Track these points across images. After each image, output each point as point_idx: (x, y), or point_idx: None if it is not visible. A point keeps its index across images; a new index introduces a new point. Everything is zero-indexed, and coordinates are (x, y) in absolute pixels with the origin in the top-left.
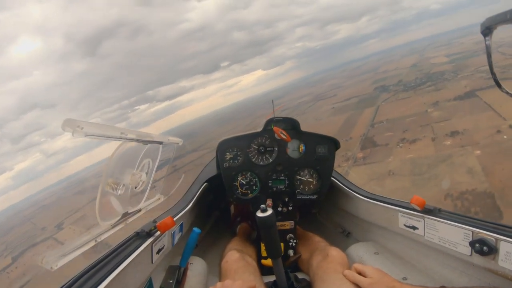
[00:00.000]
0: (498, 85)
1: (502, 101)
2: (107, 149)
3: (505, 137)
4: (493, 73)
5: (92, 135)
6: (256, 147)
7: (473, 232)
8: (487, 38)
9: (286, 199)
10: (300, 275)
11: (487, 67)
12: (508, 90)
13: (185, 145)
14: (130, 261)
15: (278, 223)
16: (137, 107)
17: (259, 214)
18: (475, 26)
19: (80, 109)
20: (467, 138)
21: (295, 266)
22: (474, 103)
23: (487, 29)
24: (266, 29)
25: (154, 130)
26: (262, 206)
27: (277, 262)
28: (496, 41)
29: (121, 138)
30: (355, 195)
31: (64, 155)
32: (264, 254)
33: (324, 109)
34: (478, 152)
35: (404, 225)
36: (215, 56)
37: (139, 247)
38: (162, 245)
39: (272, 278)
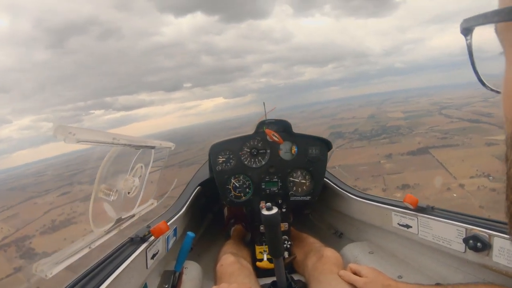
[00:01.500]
0: (482, 83)
1: (454, 161)
2: (53, 148)
3: (454, 195)
4: (476, 72)
5: (84, 141)
6: (248, 149)
7: (466, 229)
8: (467, 37)
9: (280, 201)
10: (295, 277)
11: (441, 127)
12: (492, 87)
13: (177, 149)
14: (125, 267)
15: None
16: (92, 112)
17: (265, 212)
18: (432, 89)
19: (33, 101)
20: (417, 192)
21: (290, 267)
22: (426, 160)
23: (466, 30)
24: (234, 59)
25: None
26: (268, 204)
27: (278, 262)
28: (441, 102)
29: (113, 144)
30: (348, 195)
31: (8, 145)
32: (259, 256)
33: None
34: None
35: (398, 224)
36: (179, 76)
37: (133, 252)
38: (157, 250)
39: (267, 281)
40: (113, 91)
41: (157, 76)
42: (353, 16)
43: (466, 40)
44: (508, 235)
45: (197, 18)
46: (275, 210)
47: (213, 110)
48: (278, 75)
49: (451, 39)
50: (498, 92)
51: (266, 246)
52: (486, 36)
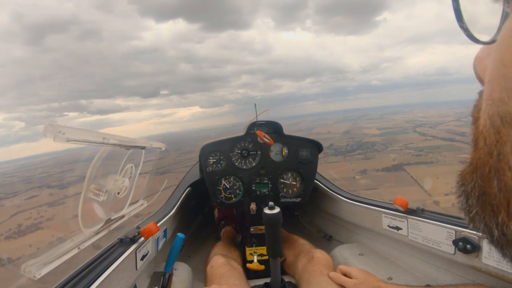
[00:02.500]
0: (459, 18)
1: (428, 178)
2: (24, 148)
3: None
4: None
5: (74, 141)
6: (239, 151)
7: (456, 231)
8: None
9: (269, 203)
10: (285, 278)
11: (415, 145)
12: (468, 27)
13: (168, 150)
14: (114, 268)
15: (263, 227)
16: (66, 114)
17: (267, 211)
18: (407, 106)
19: (5, 99)
20: None
21: (280, 269)
22: (401, 177)
23: None
24: (213, 68)
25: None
26: (270, 203)
27: (275, 262)
28: (416, 119)
29: (103, 144)
30: (339, 197)
31: None
32: (249, 258)
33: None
34: None
35: (388, 226)
36: (157, 82)
37: (123, 253)
38: (146, 251)
39: (257, 282)
40: (89, 94)
41: (134, 81)
42: (333, 32)
43: None
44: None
45: (178, 25)
46: (277, 209)
47: (190, 119)
48: (256, 87)
49: (427, 59)
50: (481, 42)
51: (257, 248)
52: None
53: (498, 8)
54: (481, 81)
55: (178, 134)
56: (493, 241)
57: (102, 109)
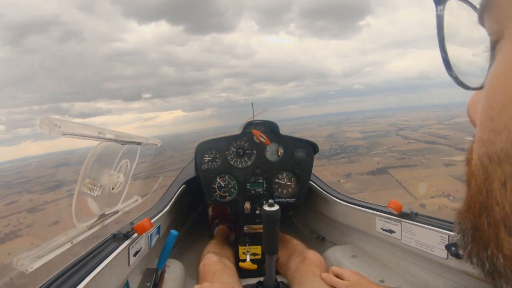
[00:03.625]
0: (448, 67)
1: (414, 181)
2: (3, 152)
3: None
4: (443, 51)
5: (69, 134)
6: (235, 149)
7: (449, 235)
8: (439, 7)
9: (264, 202)
10: (278, 278)
11: (398, 148)
12: (457, 75)
13: (163, 146)
14: (107, 264)
15: (256, 226)
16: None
17: (266, 208)
18: (388, 110)
19: None
20: None
21: None
22: (386, 180)
23: None
24: (196, 72)
25: (58, 147)
26: (270, 201)
27: (271, 259)
28: (398, 123)
29: (99, 138)
30: (333, 199)
31: None
32: (242, 257)
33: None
34: None
35: (382, 228)
36: (139, 85)
37: (115, 249)
38: (139, 248)
39: (249, 281)
40: (70, 96)
41: (116, 84)
42: (316, 36)
43: (437, 10)
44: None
45: (161, 27)
46: (276, 206)
47: (172, 122)
48: (238, 91)
49: (409, 64)
50: (470, 88)
51: (250, 247)
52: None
53: (486, 55)
54: (474, 124)
55: (161, 138)
56: (485, 273)
57: (84, 112)
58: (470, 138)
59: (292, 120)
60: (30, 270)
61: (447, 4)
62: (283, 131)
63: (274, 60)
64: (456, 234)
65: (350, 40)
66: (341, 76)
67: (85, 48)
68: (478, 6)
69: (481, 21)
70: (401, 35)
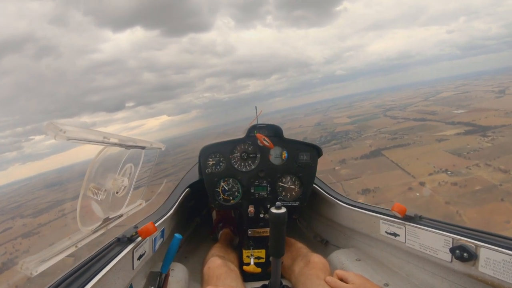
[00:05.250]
0: None
1: (409, 160)
2: None
3: (417, 194)
4: None
5: (74, 139)
6: (239, 153)
7: (453, 238)
8: None
9: (268, 206)
10: (282, 281)
11: (389, 128)
12: None
13: (168, 150)
14: (111, 267)
15: (261, 230)
16: (32, 137)
17: (273, 210)
18: (373, 92)
19: None
20: (379, 195)
21: None
22: (381, 162)
23: None
24: (177, 75)
25: (47, 166)
26: (277, 203)
27: (277, 262)
28: (384, 104)
29: (103, 143)
30: (337, 202)
31: None
32: (246, 260)
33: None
34: None
35: (386, 232)
36: (121, 95)
37: (120, 253)
38: (143, 251)
39: (253, 285)
40: (53, 114)
41: (97, 96)
42: (295, 26)
43: None
44: None
45: (137, 33)
46: (283, 209)
47: (159, 129)
48: (222, 89)
49: (388, 45)
50: None
51: (254, 250)
52: None
53: None
54: None
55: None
56: None
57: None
58: (459, 112)
59: (279, 113)
60: (35, 274)
61: None
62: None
63: (255, 54)
64: None
65: (329, 27)
66: (323, 64)
67: (63, 63)
68: None
69: None
70: (378, 17)
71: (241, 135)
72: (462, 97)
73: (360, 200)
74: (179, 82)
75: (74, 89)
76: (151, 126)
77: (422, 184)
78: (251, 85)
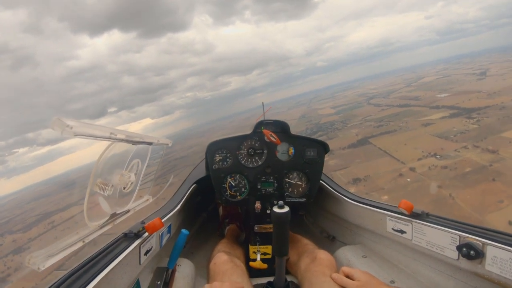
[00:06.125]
0: None
1: (397, 146)
2: None
3: (408, 180)
4: None
5: (81, 135)
6: (245, 149)
7: (460, 236)
8: None
9: (275, 202)
10: (288, 278)
11: (374, 116)
12: None
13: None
14: (118, 262)
15: (267, 226)
16: (15, 150)
17: (276, 209)
18: (355, 81)
19: None
20: (370, 184)
21: None
22: (369, 150)
23: None
24: (157, 76)
25: (33, 179)
26: (280, 202)
27: (281, 261)
28: (367, 93)
29: (110, 139)
30: (344, 199)
31: None
32: (252, 256)
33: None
34: (385, 197)
35: (392, 229)
36: (103, 100)
37: (127, 248)
38: (150, 247)
39: (259, 281)
40: (35, 125)
41: (79, 104)
42: (273, 20)
43: None
44: None
45: (114, 36)
46: (286, 209)
47: (143, 132)
48: (204, 88)
49: (368, 33)
50: None
51: (260, 246)
52: None
53: None
54: None
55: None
56: None
57: (51, 139)
58: (442, 95)
59: (261, 108)
60: (42, 269)
61: None
62: (255, 119)
63: (234, 51)
64: None
65: (308, 19)
66: (303, 56)
67: (41, 73)
68: None
69: None
70: (357, 6)
71: (248, 131)
72: (444, 81)
73: (351, 190)
74: (160, 84)
75: (54, 98)
76: (134, 131)
77: (412, 169)
78: (232, 82)
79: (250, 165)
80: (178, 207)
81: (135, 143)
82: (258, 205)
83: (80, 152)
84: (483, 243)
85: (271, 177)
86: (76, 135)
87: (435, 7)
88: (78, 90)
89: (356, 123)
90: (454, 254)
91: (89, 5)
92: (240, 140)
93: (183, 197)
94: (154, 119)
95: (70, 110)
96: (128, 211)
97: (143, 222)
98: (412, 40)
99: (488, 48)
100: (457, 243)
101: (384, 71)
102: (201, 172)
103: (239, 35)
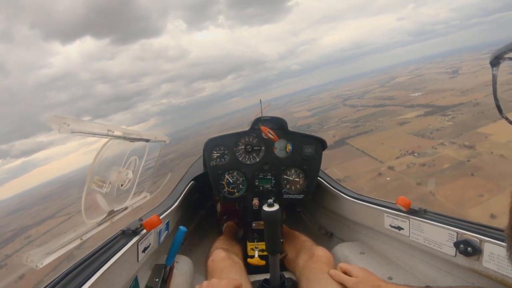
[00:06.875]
0: (500, 111)
1: (374, 146)
2: None
3: (388, 179)
4: (496, 99)
5: (78, 132)
6: (243, 146)
7: (457, 233)
8: (494, 68)
9: (273, 199)
10: (286, 274)
11: (350, 117)
12: (507, 117)
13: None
14: (116, 260)
15: None
16: None
17: (266, 208)
18: (329, 84)
19: None
20: (351, 184)
21: (281, 265)
22: (347, 151)
23: (496, 59)
24: (131, 83)
25: (7, 193)
26: (269, 201)
27: (274, 259)
28: (342, 94)
29: (107, 135)
30: (341, 195)
31: None
32: (250, 253)
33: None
34: None
35: (390, 225)
36: (76, 109)
37: (125, 245)
38: (148, 244)
39: (257, 277)
40: (7, 136)
41: (52, 113)
42: (247, 24)
43: (493, 71)
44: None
45: (87, 43)
46: (276, 207)
47: (119, 141)
48: (178, 94)
49: (341, 36)
50: None
51: (258, 243)
52: None
53: None
54: None
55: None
56: None
57: (25, 150)
58: (416, 94)
59: (237, 112)
60: (40, 267)
61: (501, 66)
62: (232, 124)
63: (209, 56)
64: (507, 251)
65: (282, 23)
66: (278, 60)
67: (12, 82)
68: None
69: None
70: (330, 9)
71: (245, 127)
72: (417, 81)
73: None
74: (134, 91)
75: (27, 108)
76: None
77: (391, 168)
78: (207, 87)
79: (248, 162)
80: (176, 204)
81: (132, 140)
82: (255, 201)
83: (57, 163)
84: (481, 240)
85: (269, 174)
86: (73, 132)
87: (406, 9)
88: (51, 99)
89: (333, 125)
90: (452, 250)
91: (60, 11)
92: (237, 137)
93: (181, 194)
94: (129, 127)
95: (42, 120)
96: (126, 208)
97: (141, 219)
98: (384, 42)
99: (458, 47)
100: (455, 240)
101: (358, 73)
102: (199, 169)
103: (213, 40)
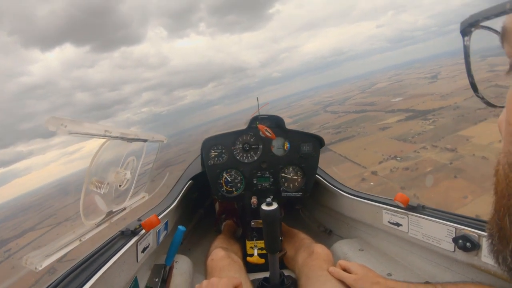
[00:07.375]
0: (475, 89)
1: (357, 151)
2: None
3: (372, 183)
4: (470, 75)
5: (76, 133)
6: (241, 144)
7: (456, 228)
8: (466, 38)
9: (271, 197)
10: (285, 272)
11: (331, 123)
12: (483, 96)
13: (169, 143)
14: (115, 260)
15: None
16: None
17: (264, 207)
18: (310, 91)
19: None
20: None
21: (280, 263)
22: (329, 157)
23: (466, 29)
24: (111, 92)
25: None
26: (268, 199)
27: (273, 257)
28: (323, 101)
29: (105, 136)
30: (340, 192)
31: None
32: (249, 251)
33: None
34: None
35: (388, 222)
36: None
37: (124, 246)
38: (147, 244)
39: (257, 276)
40: None
41: (31, 123)
42: (228, 32)
43: (464, 41)
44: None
45: (67, 51)
46: (274, 205)
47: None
48: (159, 103)
49: (321, 43)
50: (496, 106)
51: (257, 241)
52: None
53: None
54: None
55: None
56: (507, 270)
57: (4, 160)
58: (396, 100)
59: (219, 120)
60: (40, 269)
61: (473, 35)
62: (213, 132)
63: (190, 63)
64: (487, 240)
65: (262, 30)
66: (259, 67)
67: None
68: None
69: (502, 45)
70: (310, 17)
71: (243, 126)
72: (397, 86)
73: None
74: (114, 100)
75: (5, 117)
76: (90, 149)
77: (374, 173)
78: (188, 95)
79: (246, 161)
80: (175, 203)
81: (130, 140)
82: (254, 200)
83: (37, 173)
84: (479, 235)
85: (267, 172)
86: (70, 133)
87: (386, 16)
88: (30, 108)
89: (314, 131)
90: (450, 246)
91: (40, 17)
92: (235, 135)
93: (179, 194)
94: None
95: (22, 129)
96: (124, 208)
97: (139, 220)
98: (364, 49)
99: (437, 53)
100: (453, 235)
101: (338, 79)
102: (197, 169)
103: (194, 47)
